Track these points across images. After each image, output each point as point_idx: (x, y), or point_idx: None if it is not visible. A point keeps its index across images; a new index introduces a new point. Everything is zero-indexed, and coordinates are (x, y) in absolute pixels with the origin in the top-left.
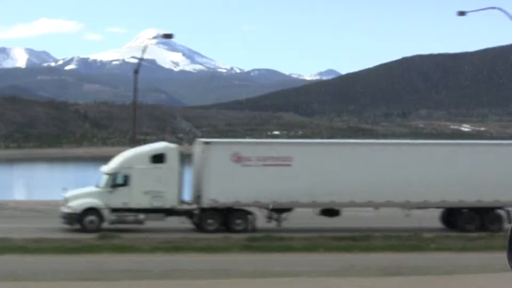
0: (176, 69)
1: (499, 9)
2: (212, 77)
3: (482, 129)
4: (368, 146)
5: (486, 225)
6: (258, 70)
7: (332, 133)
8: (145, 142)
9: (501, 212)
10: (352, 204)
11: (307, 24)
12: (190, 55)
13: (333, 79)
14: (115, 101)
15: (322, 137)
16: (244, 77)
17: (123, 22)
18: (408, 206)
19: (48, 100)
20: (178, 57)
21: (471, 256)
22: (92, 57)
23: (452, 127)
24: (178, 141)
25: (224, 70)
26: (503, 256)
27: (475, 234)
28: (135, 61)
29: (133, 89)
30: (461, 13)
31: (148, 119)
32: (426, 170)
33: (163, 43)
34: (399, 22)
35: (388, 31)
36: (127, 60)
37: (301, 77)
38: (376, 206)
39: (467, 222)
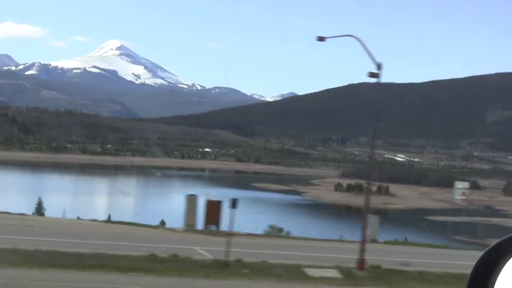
0: (137, 82)
1: (354, 37)
2: (171, 92)
3: (416, 159)
4: None
5: None
6: (220, 88)
7: (264, 154)
8: (66, 149)
9: None
10: None
11: (273, 46)
12: (153, 68)
13: (275, 102)
14: (75, 109)
15: (253, 157)
16: (204, 94)
17: (87, 31)
18: None
19: None
20: (140, 70)
21: None
22: (53, 63)
23: (386, 155)
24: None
25: (185, 86)
26: None
27: None
28: (97, 70)
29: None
30: (320, 39)
31: (79, 127)
32: None
33: (126, 55)
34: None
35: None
36: (88, 69)
37: (262, 98)
38: None
39: None
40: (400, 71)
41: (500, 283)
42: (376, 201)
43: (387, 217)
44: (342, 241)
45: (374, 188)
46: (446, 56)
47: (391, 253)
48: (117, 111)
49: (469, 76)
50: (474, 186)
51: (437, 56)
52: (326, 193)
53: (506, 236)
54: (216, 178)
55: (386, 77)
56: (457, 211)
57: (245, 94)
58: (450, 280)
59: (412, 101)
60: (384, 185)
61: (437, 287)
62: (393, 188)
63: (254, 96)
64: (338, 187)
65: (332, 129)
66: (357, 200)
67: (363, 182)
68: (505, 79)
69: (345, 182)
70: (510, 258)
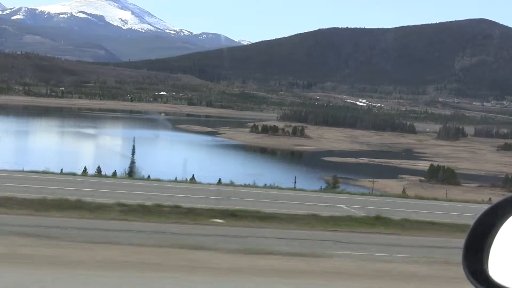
0: (124, 27)
1: None
2: (156, 37)
3: (378, 105)
4: None
5: None
6: (207, 34)
7: (221, 98)
8: (10, 91)
9: None
10: None
11: None
12: (140, 14)
13: (246, 46)
14: (53, 55)
15: (209, 100)
16: (190, 40)
17: None
18: None
19: None
20: (127, 15)
21: None
22: (40, 8)
23: (348, 101)
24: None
25: (173, 32)
26: None
27: None
28: (83, 15)
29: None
30: None
31: (33, 70)
32: None
33: (113, 0)
34: None
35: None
36: (75, 14)
37: (249, 44)
38: None
39: None
40: (371, 16)
41: (497, 245)
42: (289, 142)
43: (301, 158)
44: None
45: (290, 130)
46: (418, 2)
47: None
48: (99, 56)
49: (440, 22)
50: (410, 131)
51: (409, 1)
52: (240, 135)
53: (502, 198)
54: (149, 120)
55: (357, 22)
56: (361, 153)
57: (233, 40)
58: None
59: (381, 46)
60: (300, 127)
61: None
62: (323, 131)
63: (242, 42)
64: (253, 129)
65: (300, 74)
66: (268, 141)
67: (296, 124)
68: (476, 25)
69: (279, 124)
70: (507, 220)
